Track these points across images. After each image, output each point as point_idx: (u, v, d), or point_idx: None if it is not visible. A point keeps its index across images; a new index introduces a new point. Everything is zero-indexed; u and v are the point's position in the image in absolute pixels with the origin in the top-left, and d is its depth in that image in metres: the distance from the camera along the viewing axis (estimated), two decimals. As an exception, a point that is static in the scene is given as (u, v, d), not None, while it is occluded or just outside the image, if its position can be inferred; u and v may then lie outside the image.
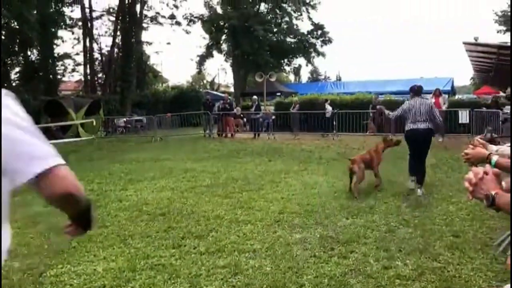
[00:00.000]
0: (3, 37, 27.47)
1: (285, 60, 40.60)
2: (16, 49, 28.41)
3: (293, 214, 5.58)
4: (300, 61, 41.58)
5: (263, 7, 37.54)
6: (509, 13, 29.29)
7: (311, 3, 36.82)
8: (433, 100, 14.80)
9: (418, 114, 6.77)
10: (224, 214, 5.67)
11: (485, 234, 4.65)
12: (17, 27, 22.76)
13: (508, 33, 30.84)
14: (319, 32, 37.40)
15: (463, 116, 15.74)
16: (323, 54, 38.33)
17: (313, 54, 38.36)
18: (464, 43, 20.42)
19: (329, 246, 4.38)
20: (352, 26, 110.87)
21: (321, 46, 37.97)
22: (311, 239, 4.61)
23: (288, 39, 38.27)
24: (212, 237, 4.76)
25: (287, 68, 44.96)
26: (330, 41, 37.49)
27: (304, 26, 39.06)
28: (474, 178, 1.55)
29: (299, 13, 36.79)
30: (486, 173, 1.54)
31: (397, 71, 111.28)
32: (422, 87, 7.47)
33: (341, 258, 4.09)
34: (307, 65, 42.48)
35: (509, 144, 2.78)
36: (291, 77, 57.87)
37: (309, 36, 37.73)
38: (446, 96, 18.00)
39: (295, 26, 37.62)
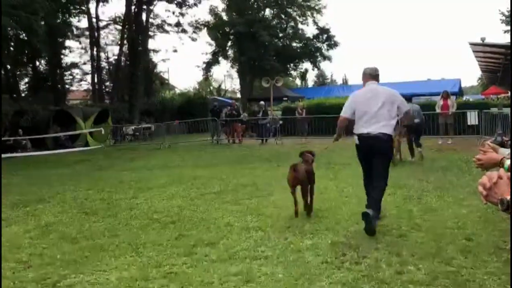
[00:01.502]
0: (12, 49, 27.84)
1: (291, 65, 40.71)
2: (25, 60, 28.75)
3: (303, 220, 5.57)
4: (306, 65, 41.68)
5: (268, 12, 37.72)
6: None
7: (316, 7, 36.91)
8: (442, 103, 14.75)
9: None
10: (235, 221, 5.67)
11: (498, 237, 4.61)
12: (26, 38, 23.00)
13: (514, 33, 30.60)
14: (325, 36, 37.43)
15: (472, 118, 15.65)
16: (329, 58, 38.39)
17: (319, 58, 38.40)
18: (471, 43, 20.33)
19: (341, 252, 4.36)
20: (357, 29, 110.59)
21: (327, 50, 38.01)
22: (322, 245, 4.59)
23: (294, 44, 38.41)
24: (223, 244, 4.76)
25: (293, 73, 45.08)
26: (336, 44, 37.57)
27: (309, 30, 39.15)
28: (488, 182, 1.54)
29: (304, 18, 36.86)
30: (500, 177, 1.54)
31: (404, 73, 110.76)
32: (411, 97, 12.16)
33: (353, 264, 4.07)
34: (313, 69, 42.56)
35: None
36: (298, 82, 57.95)
37: (314, 40, 37.80)
38: (454, 97, 17.92)
39: (300, 31, 37.72)
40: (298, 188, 5.78)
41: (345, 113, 5.38)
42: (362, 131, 5.09)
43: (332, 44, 37.48)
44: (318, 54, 38.04)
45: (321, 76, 62.26)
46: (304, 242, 4.70)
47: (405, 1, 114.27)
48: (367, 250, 4.38)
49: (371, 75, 5.31)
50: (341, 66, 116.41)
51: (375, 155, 5.09)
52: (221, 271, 4.02)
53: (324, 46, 37.90)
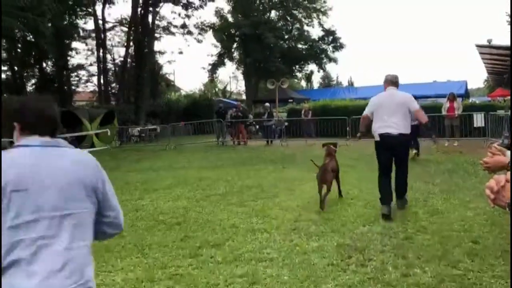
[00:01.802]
0: (19, 50, 28.00)
1: (297, 67, 40.67)
2: (32, 61, 28.93)
3: (309, 222, 5.56)
4: (311, 67, 41.65)
5: (273, 14, 37.73)
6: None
7: (322, 9, 36.89)
8: (448, 105, 14.68)
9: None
10: (240, 223, 5.67)
11: (505, 240, 4.58)
12: (33, 40, 23.15)
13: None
14: (331, 38, 37.39)
15: (478, 120, 15.57)
16: (335, 60, 38.33)
17: (324, 60, 38.36)
18: (477, 45, 20.22)
19: (347, 254, 4.35)
20: (363, 31, 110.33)
21: (333, 51, 37.96)
22: (328, 247, 4.59)
23: (299, 46, 38.38)
24: (228, 246, 4.77)
25: (299, 75, 45.03)
26: (341, 46, 37.48)
27: (315, 32, 39.27)
28: (496, 186, 1.53)
29: (309, 20, 36.86)
30: (507, 180, 1.53)
31: (410, 75, 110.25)
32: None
33: (359, 266, 4.06)
34: (318, 71, 42.54)
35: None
36: (303, 83, 57.93)
37: (320, 42, 37.77)
38: (460, 100, 17.84)
39: (306, 33, 37.70)
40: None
41: (366, 112, 6.21)
42: (381, 131, 5.87)
43: (338, 46, 37.43)
44: (323, 56, 37.99)
45: (326, 78, 62.25)
46: (310, 244, 4.70)
47: (411, 3, 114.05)
48: (373, 253, 4.38)
49: (392, 81, 6.11)
50: (347, 68, 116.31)
51: (395, 150, 5.95)
52: (226, 272, 4.03)
53: (329, 48, 37.86)
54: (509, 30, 32.82)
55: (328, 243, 4.72)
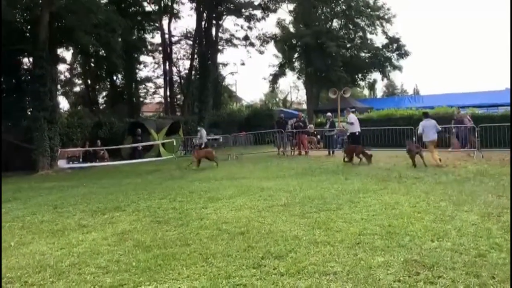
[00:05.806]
0: (92, 65, 29.76)
1: (359, 75, 39.94)
2: (104, 75, 30.70)
3: (374, 235, 5.41)
4: (375, 75, 40.75)
5: (335, 23, 37.33)
6: None
7: (386, 16, 36.05)
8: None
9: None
10: (303, 235, 5.63)
11: None
12: (105, 55, 24.55)
13: None
14: (395, 45, 36.39)
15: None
16: (399, 68, 37.22)
17: (388, 68, 37.36)
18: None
19: (414, 271, 4.19)
20: (430, 36, 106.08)
21: (397, 59, 36.90)
22: (394, 262, 4.44)
23: (362, 54, 37.65)
24: (291, 258, 4.75)
25: (362, 83, 44.19)
26: (406, 54, 36.29)
27: (378, 40, 38.11)
28: None
29: (373, 28, 36.08)
30: None
31: (480, 82, 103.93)
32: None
33: (428, 283, 3.89)
34: (382, 80, 41.51)
35: None
36: (366, 92, 56.83)
37: (384, 50, 36.86)
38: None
39: (369, 41, 36.95)
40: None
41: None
42: None
43: (403, 54, 36.30)
44: (387, 64, 36.98)
45: (390, 86, 60.68)
46: (375, 259, 4.57)
47: (478, 7, 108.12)
48: (443, 270, 4.18)
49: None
50: (412, 76, 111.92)
51: None
52: (289, 285, 4.01)
53: (394, 56, 36.80)
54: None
55: (394, 258, 4.56)
